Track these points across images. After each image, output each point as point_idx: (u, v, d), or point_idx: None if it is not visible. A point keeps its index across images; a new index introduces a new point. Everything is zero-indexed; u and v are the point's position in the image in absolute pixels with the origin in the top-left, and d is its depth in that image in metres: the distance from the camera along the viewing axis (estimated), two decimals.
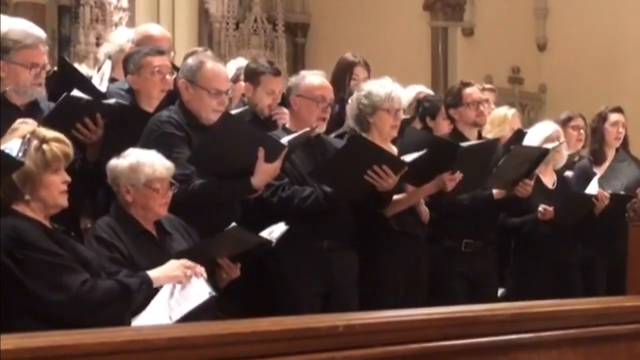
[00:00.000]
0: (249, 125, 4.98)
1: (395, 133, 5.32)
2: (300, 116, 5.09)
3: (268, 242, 4.40)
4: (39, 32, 4.57)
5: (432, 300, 5.38)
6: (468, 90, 5.83)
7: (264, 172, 4.57)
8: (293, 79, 5.21)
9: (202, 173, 4.62)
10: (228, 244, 4.32)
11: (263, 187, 4.66)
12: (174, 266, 4.01)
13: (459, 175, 5.19)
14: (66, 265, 3.66)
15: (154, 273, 3.96)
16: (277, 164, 4.59)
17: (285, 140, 4.66)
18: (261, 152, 4.53)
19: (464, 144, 5.32)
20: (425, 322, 3.29)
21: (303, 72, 5.29)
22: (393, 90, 5.26)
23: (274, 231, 4.47)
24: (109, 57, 5.86)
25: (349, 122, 5.40)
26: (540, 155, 5.74)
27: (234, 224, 4.27)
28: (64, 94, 4.46)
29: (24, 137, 3.67)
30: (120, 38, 6.05)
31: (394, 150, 5.24)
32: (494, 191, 5.67)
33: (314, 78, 5.14)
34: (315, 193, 4.90)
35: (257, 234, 4.43)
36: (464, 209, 5.57)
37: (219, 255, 4.29)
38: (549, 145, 5.90)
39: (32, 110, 4.47)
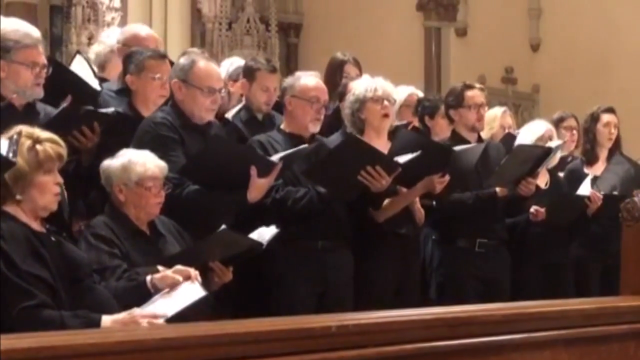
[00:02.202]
0: (237, 144, 5.00)
1: (386, 124, 5.33)
2: (295, 117, 5.10)
3: (259, 244, 4.39)
4: (36, 33, 4.57)
5: (442, 302, 5.39)
6: (470, 93, 5.81)
7: (258, 188, 4.62)
8: (288, 80, 5.23)
9: (196, 182, 4.64)
10: (219, 247, 4.31)
11: (257, 200, 4.68)
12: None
13: (447, 178, 5.21)
14: (19, 286, 3.52)
15: (108, 322, 3.64)
16: (271, 178, 4.64)
17: (276, 157, 4.69)
18: (254, 170, 4.57)
19: (457, 148, 5.30)
20: (418, 323, 3.29)
21: (298, 73, 5.31)
22: (374, 82, 5.31)
23: (265, 234, 4.46)
24: (78, 52, 5.86)
25: (348, 127, 5.41)
26: (543, 154, 5.73)
27: (223, 226, 4.26)
28: (63, 105, 4.45)
29: (11, 138, 3.64)
30: (110, 38, 6.04)
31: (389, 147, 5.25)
32: (497, 189, 5.65)
33: (309, 79, 5.16)
34: (309, 194, 4.90)
35: (247, 236, 4.43)
36: (468, 208, 5.57)
37: (210, 259, 4.27)
38: (552, 144, 5.90)
39: (29, 112, 4.47)
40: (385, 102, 5.30)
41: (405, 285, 5.35)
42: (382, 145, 5.25)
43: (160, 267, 4.05)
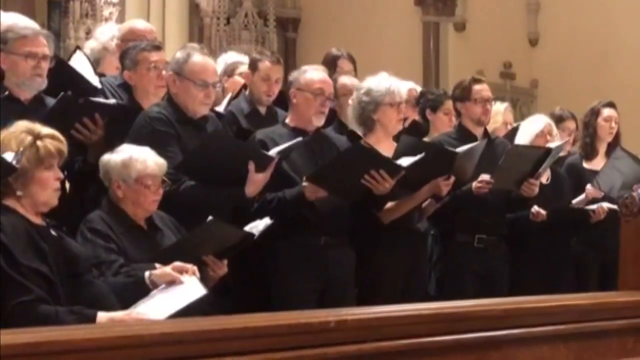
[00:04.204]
0: (236, 140, 5.00)
1: (400, 127, 5.34)
2: (299, 110, 5.10)
3: (250, 235, 4.38)
4: (23, 23, 4.57)
5: (441, 298, 5.38)
6: (477, 86, 5.81)
7: (255, 182, 4.63)
8: (294, 73, 5.25)
9: (193, 177, 4.64)
10: (210, 239, 4.29)
11: (255, 194, 4.70)
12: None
13: (452, 180, 5.21)
14: (16, 280, 3.52)
15: (104, 317, 3.64)
16: (268, 173, 4.65)
17: (274, 151, 4.70)
18: (251, 165, 4.59)
19: (460, 150, 5.29)
20: (417, 318, 3.29)
21: (304, 67, 5.32)
22: (392, 83, 5.27)
23: (258, 225, 4.45)
24: (77, 47, 5.86)
25: (352, 124, 5.40)
26: (543, 155, 5.70)
27: (210, 217, 4.24)
28: (61, 94, 4.44)
29: (17, 151, 3.64)
30: (105, 34, 6.04)
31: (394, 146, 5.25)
32: (473, 186, 5.56)
33: (314, 73, 5.18)
34: (277, 197, 4.89)
35: (236, 226, 4.41)
36: (446, 206, 5.54)
37: (203, 253, 4.26)
38: (552, 145, 5.88)
39: (36, 105, 4.47)
40: (402, 107, 5.30)
41: (413, 280, 5.34)
42: (389, 145, 5.26)
43: (157, 265, 4.05)
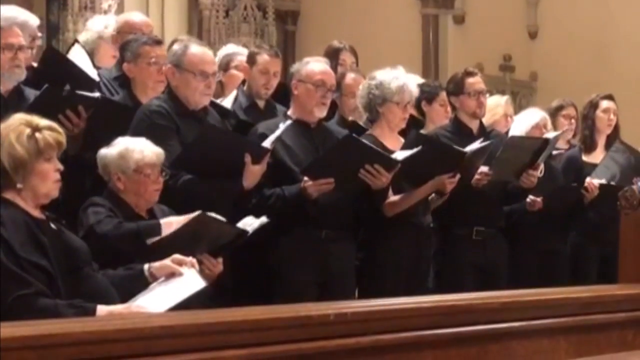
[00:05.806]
0: (231, 133, 5.01)
1: (403, 125, 5.34)
2: (301, 101, 5.10)
3: (243, 232, 4.35)
4: (23, 16, 4.53)
5: (440, 290, 5.37)
6: (470, 80, 5.78)
7: (252, 174, 4.65)
8: (295, 65, 5.26)
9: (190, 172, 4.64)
10: (202, 236, 4.25)
11: (253, 186, 4.71)
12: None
13: (457, 178, 5.21)
14: (16, 274, 3.50)
15: (103, 310, 3.64)
16: (264, 164, 4.67)
17: (268, 142, 4.72)
18: (248, 157, 4.60)
19: (469, 150, 5.27)
20: (416, 311, 3.29)
21: (306, 58, 5.32)
22: (405, 83, 5.27)
23: (253, 223, 4.43)
24: (76, 40, 5.84)
25: (359, 108, 5.40)
26: (541, 145, 5.70)
27: (199, 211, 4.20)
28: (45, 86, 4.43)
29: None
30: (96, 25, 6.02)
31: (401, 141, 5.23)
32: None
33: (316, 64, 5.19)
34: (276, 193, 4.89)
35: (225, 220, 4.39)
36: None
37: (197, 250, 4.23)
38: (550, 135, 5.88)
39: (16, 97, 4.44)
40: (408, 107, 5.30)
41: (416, 274, 5.33)
42: (394, 139, 5.27)
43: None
